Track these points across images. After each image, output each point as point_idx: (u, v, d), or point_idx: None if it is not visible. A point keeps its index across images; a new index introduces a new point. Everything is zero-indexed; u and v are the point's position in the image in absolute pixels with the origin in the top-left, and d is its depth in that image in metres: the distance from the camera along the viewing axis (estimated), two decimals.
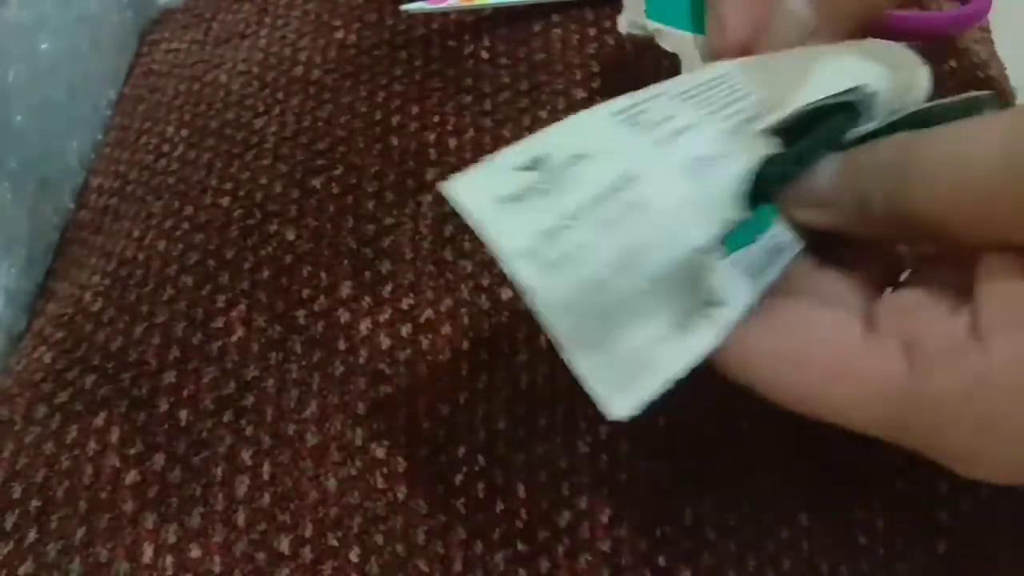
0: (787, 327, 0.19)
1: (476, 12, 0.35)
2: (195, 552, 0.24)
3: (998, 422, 0.16)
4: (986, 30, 0.39)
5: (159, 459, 0.25)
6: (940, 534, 0.24)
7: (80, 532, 0.24)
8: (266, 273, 0.29)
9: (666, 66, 0.33)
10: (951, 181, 0.17)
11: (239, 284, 0.28)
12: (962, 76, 0.36)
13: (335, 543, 0.24)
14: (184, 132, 0.34)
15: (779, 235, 0.20)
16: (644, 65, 0.33)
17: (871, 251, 0.22)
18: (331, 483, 0.25)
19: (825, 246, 0.21)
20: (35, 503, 0.25)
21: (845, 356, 0.18)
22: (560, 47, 0.34)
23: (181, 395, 0.26)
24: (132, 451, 0.26)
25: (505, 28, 0.34)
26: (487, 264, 0.28)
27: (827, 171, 0.19)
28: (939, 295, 0.19)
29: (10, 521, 0.25)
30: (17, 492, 0.25)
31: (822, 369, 0.18)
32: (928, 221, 0.17)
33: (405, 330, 0.27)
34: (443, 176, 0.30)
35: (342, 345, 0.27)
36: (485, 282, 0.28)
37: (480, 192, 0.17)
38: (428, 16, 0.35)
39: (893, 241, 0.20)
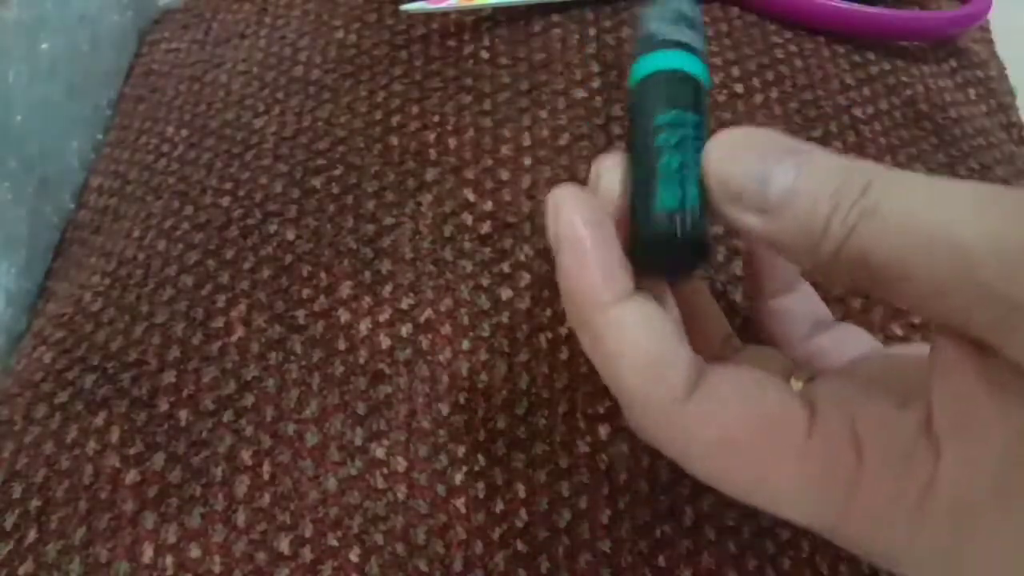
0: (725, 404, 0.17)
1: (476, 12, 0.35)
2: (195, 552, 0.24)
3: (937, 535, 0.16)
4: (986, 30, 0.39)
5: (159, 459, 0.25)
6: None
7: (80, 532, 0.24)
8: (266, 273, 0.29)
9: None
10: (926, 242, 0.15)
11: (239, 284, 0.28)
12: (962, 76, 0.36)
13: (335, 543, 0.24)
14: (184, 132, 0.34)
15: None
16: None
17: (797, 306, 0.22)
18: (331, 483, 0.25)
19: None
20: (35, 503, 0.25)
21: (787, 447, 0.17)
22: (560, 47, 0.34)
23: (181, 395, 0.26)
24: (132, 451, 0.26)
25: (505, 28, 0.34)
26: (487, 264, 0.28)
27: (783, 174, 0.17)
28: (884, 377, 0.18)
29: (10, 521, 0.25)
30: (17, 492, 0.25)
31: (758, 457, 0.17)
32: (887, 274, 0.16)
33: (405, 330, 0.27)
34: (443, 176, 0.30)
35: (342, 345, 0.27)
36: (485, 282, 0.28)
37: None
38: (428, 16, 0.35)
39: (835, 280, 0.19)
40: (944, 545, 0.16)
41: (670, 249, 0.18)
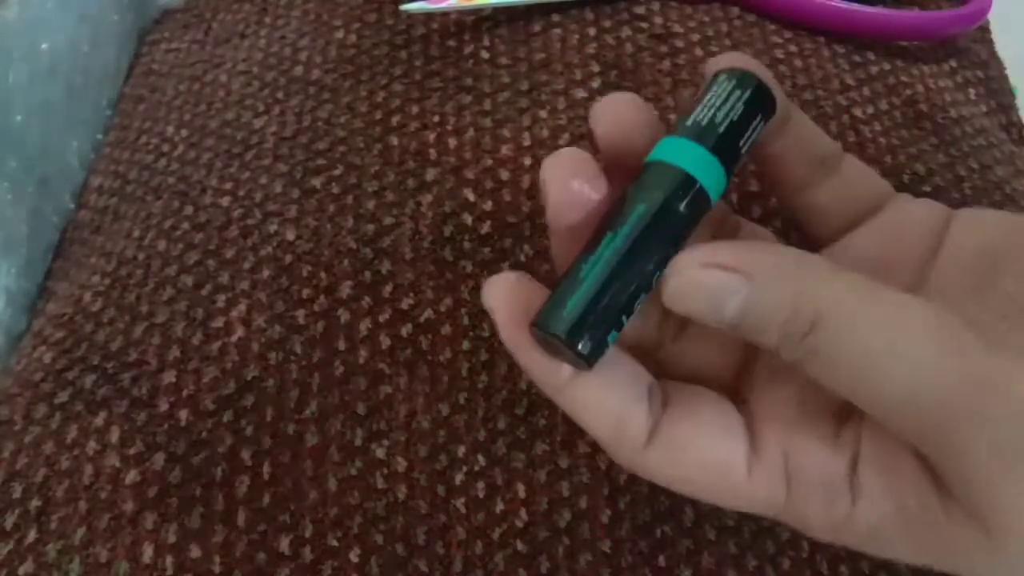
0: (678, 453, 0.19)
1: (476, 12, 0.35)
2: (195, 552, 0.24)
3: (854, 544, 0.19)
4: (986, 30, 0.39)
5: (159, 459, 0.25)
6: None
7: (80, 532, 0.24)
8: (266, 273, 0.29)
9: (667, 68, 0.33)
10: (861, 388, 0.17)
11: (239, 284, 0.28)
12: (962, 76, 0.36)
13: (335, 543, 0.24)
14: (184, 132, 0.34)
15: None
16: (644, 65, 0.33)
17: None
18: (331, 483, 0.25)
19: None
20: (35, 503, 0.25)
21: (730, 487, 0.19)
22: (560, 47, 0.34)
23: (181, 395, 0.26)
24: (132, 451, 0.26)
25: (505, 28, 0.34)
26: (487, 264, 0.28)
27: (732, 307, 0.18)
28: (820, 413, 0.20)
29: (10, 521, 0.25)
30: (17, 492, 0.25)
31: (710, 494, 0.20)
32: (835, 394, 0.18)
33: (405, 330, 0.27)
34: (443, 176, 0.30)
35: (342, 345, 0.27)
36: (485, 282, 0.28)
37: None
38: (428, 16, 0.35)
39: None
40: (861, 548, 0.19)
41: (564, 350, 0.19)
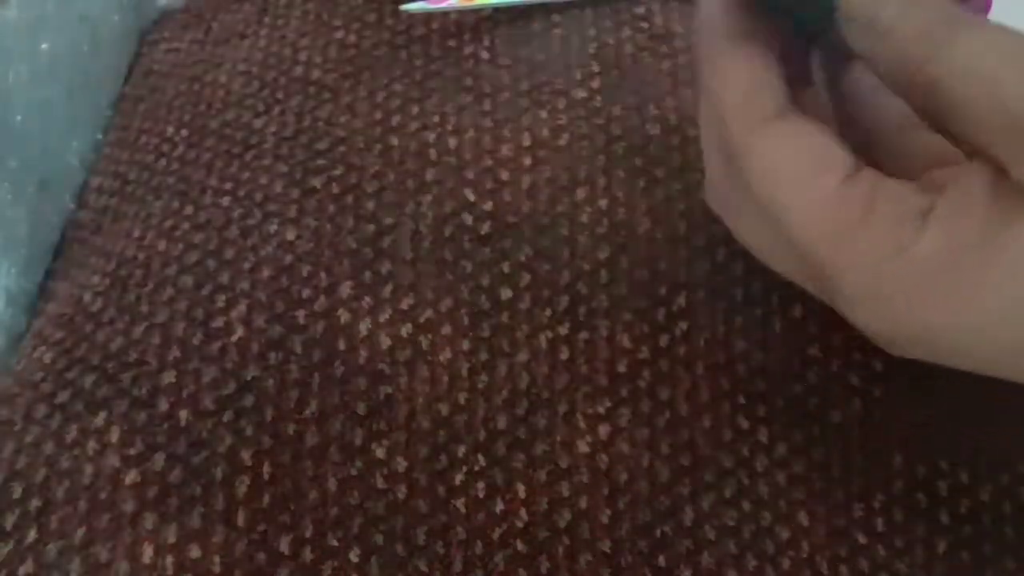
0: (795, 136, 0.21)
1: (476, 12, 0.35)
2: (195, 552, 0.24)
3: (900, 288, 0.19)
4: None
5: (159, 459, 0.25)
6: (940, 534, 0.24)
7: (80, 532, 0.24)
8: (266, 273, 0.29)
9: (667, 68, 0.33)
10: (975, 79, 0.18)
11: (239, 284, 0.28)
12: None
13: (335, 543, 0.24)
14: (184, 132, 0.34)
15: None
16: (644, 65, 0.33)
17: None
18: (331, 483, 0.25)
19: None
20: (35, 503, 0.25)
21: (819, 187, 0.20)
22: (560, 47, 0.34)
23: (181, 395, 0.26)
24: (132, 451, 0.26)
25: (505, 28, 0.35)
26: (487, 264, 0.28)
27: (890, 9, 0.20)
28: (917, 175, 0.21)
29: (10, 521, 0.25)
30: (17, 492, 0.25)
31: (796, 191, 0.21)
32: (944, 102, 0.19)
33: (405, 330, 0.27)
34: (443, 176, 0.30)
35: (342, 345, 0.27)
36: (485, 282, 0.28)
37: None
38: (428, 16, 0.35)
39: (907, 100, 0.21)
40: (904, 295, 0.19)
41: None
